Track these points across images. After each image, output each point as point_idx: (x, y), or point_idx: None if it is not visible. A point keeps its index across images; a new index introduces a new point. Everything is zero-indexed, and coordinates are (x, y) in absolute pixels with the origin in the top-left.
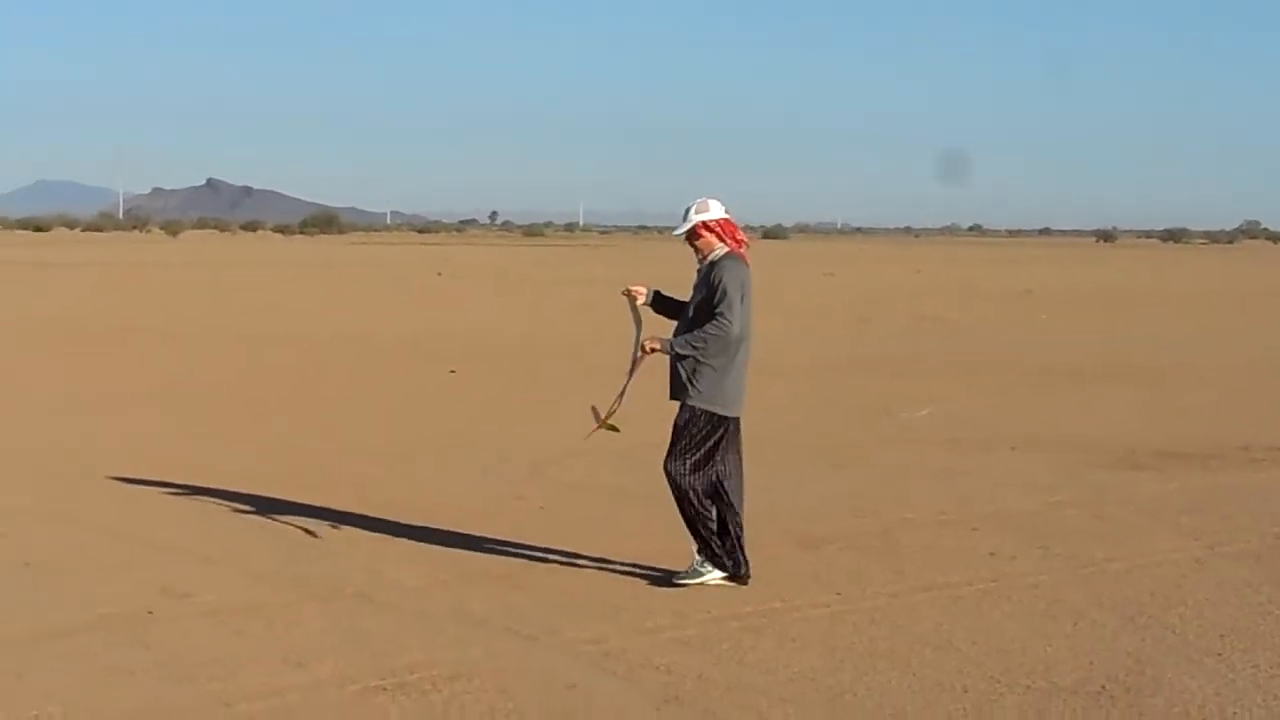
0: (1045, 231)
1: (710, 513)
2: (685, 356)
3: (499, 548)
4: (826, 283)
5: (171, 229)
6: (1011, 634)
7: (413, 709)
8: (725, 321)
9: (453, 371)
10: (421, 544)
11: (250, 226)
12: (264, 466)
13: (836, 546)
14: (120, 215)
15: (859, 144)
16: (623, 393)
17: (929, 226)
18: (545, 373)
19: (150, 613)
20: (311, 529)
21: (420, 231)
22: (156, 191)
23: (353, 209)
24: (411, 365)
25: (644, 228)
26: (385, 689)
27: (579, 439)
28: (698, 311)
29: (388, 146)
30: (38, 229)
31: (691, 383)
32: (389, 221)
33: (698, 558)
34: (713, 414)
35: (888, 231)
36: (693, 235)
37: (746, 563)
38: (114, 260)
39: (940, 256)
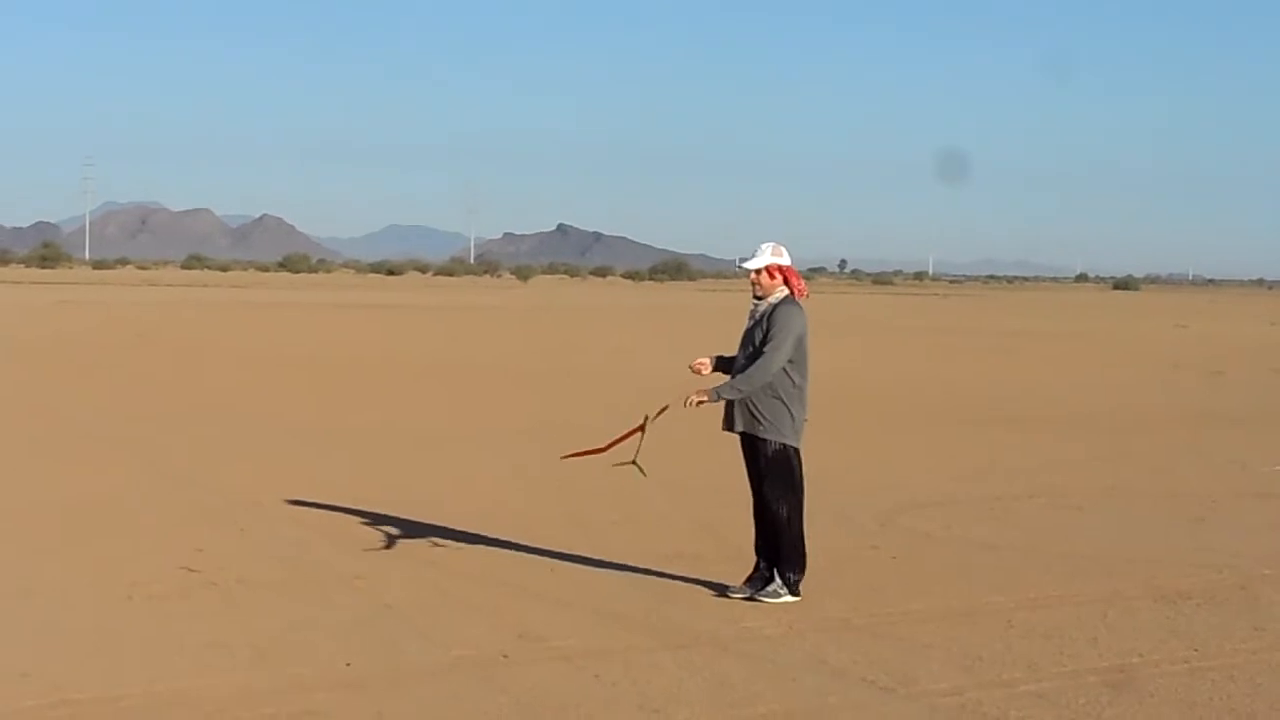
0: None
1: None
2: (735, 399)
3: (854, 597)
4: (1179, 334)
5: (522, 274)
6: None
7: None
8: (769, 362)
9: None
10: None
11: (600, 272)
12: (614, 509)
13: (1194, 601)
14: (471, 259)
15: (1212, 194)
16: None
17: None
18: (898, 419)
19: (506, 656)
20: (667, 572)
21: None
22: (508, 236)
23: (702, 255)
24: None
25: (994, 277)
26: None
27: (933, 488)
28: (758, 349)
29: (735, 195)
30: (390, 273)
31: (765, 418)
32: (736, 269)
33: (777, 581)
34: (791, 446)
35: (1240, 283)
36: (764, 272)
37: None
38: (467, 304)
39: None
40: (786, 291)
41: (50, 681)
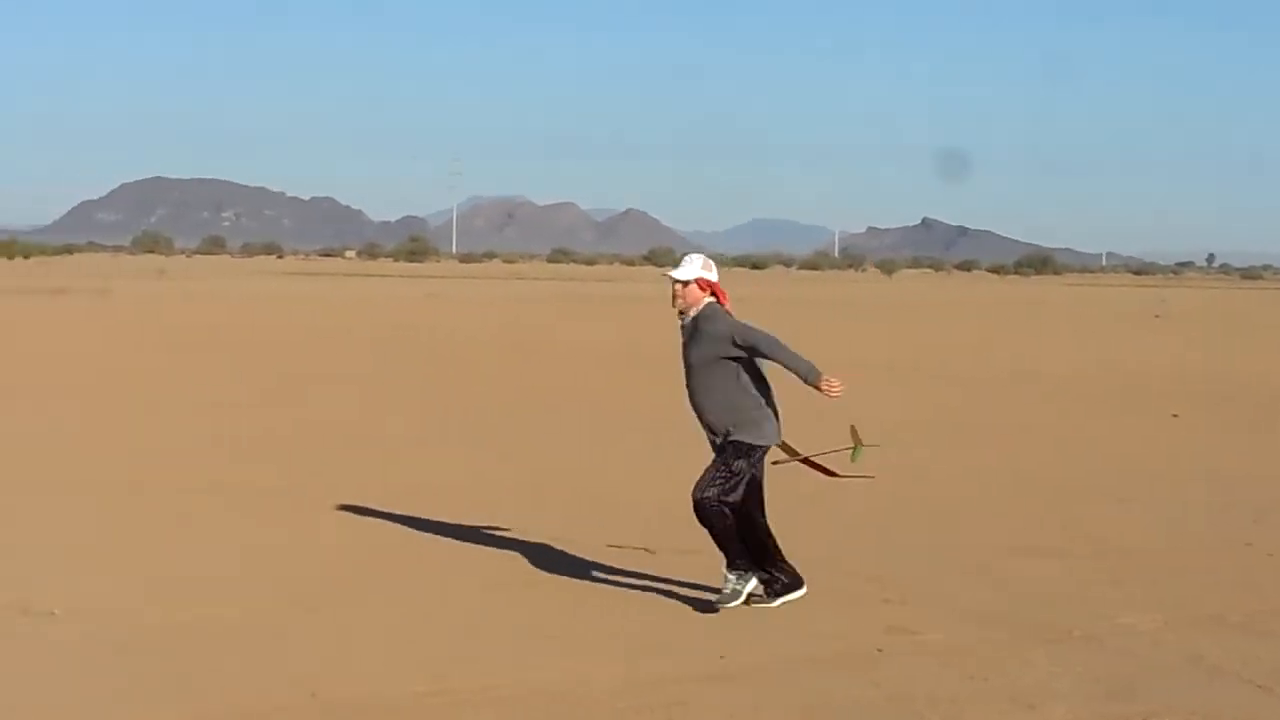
0: None
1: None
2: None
3: (1229, 593)
4: None
5: (886, 268)
6: None
7: None
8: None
9: (1175, 415)
10: (1150, 586)
11: (964, 266)
12: (975, 501)
13: None
14: (835, 254)
15: None
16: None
17: None
18: (1270, 414)
19: (879, 650)
20: (1025, 566)
21: (1135, 273)
22: (871, 230)
23: (1067, 250)
24: (1129, 406)
25: None
26: None
27: None
28: (705, 362)
29: (1103, 187)
30: (754, 266)
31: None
32: (1104, 263)
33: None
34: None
35: None
36: (693, 284)
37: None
38: (829, 298)
39: None
40: (711, 300)
41: (432, 670)
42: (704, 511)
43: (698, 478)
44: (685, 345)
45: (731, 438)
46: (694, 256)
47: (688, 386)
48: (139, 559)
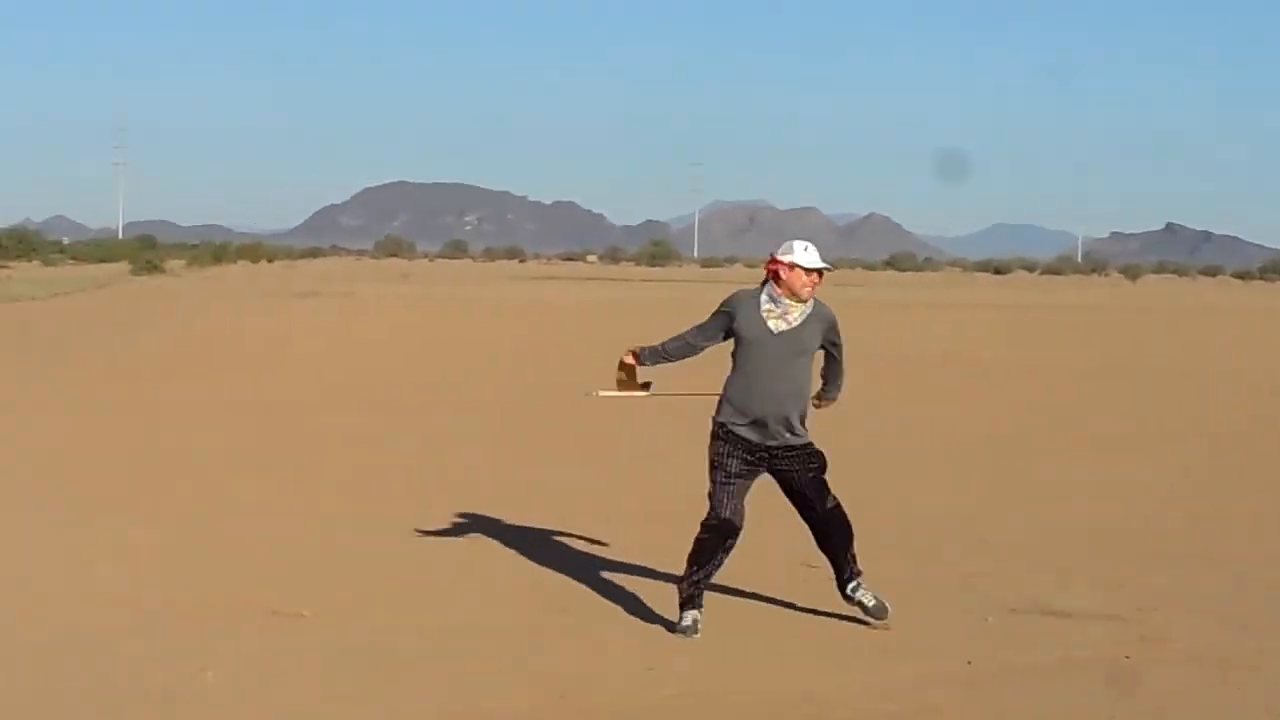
0: None
1: None
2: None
3: None
4: None
5: (1130, 273)
6: None
7: None
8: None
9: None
10: None
11: (1209, 272)
12: (1234, 506)
13: None
14: (1079, 259)
15: None
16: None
17: None
18: None
19: (1128, 657)
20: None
21: None
22: (1115, 235)
23: None
24: None
25: None
26: None
27: None
28: (808, 352)
29: None
30: (996, 271)
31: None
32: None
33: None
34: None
35: None
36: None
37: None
38: (1075, 303)
39: None
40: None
41: (681, 674)
42: (844, 515)
43: (813, 494)
44: (785, 335)
45: (799, 433)
46: (809, 243)
47: (775, 377)
48: (387, 561)
